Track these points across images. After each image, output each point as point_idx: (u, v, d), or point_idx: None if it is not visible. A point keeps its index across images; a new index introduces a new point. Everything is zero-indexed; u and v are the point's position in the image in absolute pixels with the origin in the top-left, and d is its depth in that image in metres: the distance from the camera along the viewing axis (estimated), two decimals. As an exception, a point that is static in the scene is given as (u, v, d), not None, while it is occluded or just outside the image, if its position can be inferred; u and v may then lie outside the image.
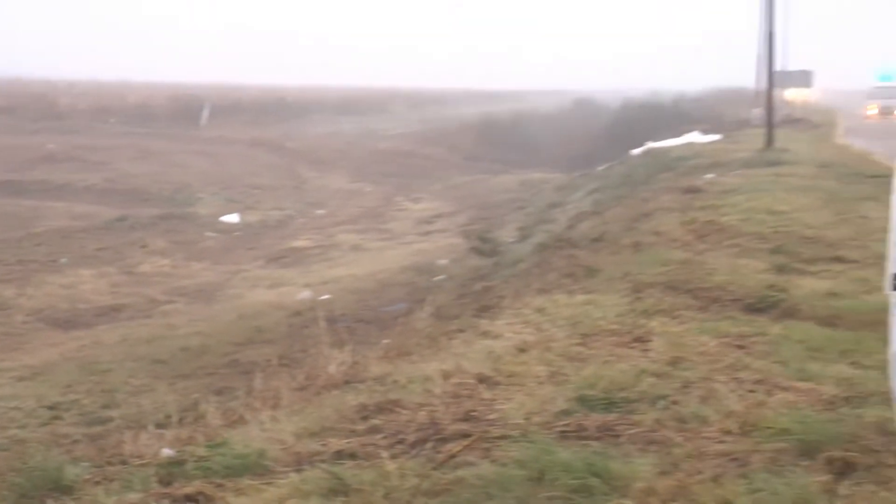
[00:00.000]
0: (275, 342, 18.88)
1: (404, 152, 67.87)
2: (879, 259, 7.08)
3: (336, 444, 7.19)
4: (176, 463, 7.19)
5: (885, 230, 6.74)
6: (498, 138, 77.40)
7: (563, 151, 68.14)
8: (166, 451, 7.62)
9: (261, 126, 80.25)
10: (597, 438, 6.96)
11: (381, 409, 7.80)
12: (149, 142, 62.03)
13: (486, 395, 7.91)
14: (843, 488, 6.04)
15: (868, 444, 6.58)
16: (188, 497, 6.52)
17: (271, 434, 7.56)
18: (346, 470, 6.59)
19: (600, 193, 32.20)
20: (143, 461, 7.40)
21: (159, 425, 9.78)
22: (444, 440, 7.10)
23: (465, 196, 45.91)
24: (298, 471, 6.74)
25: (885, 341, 6.87)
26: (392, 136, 76.93)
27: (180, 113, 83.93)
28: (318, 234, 38.39)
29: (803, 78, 65.34)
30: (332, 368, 9.32)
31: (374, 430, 7.44)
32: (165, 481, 6.86)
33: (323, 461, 6.84)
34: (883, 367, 7.04)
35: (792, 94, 68.48)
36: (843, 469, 6.29)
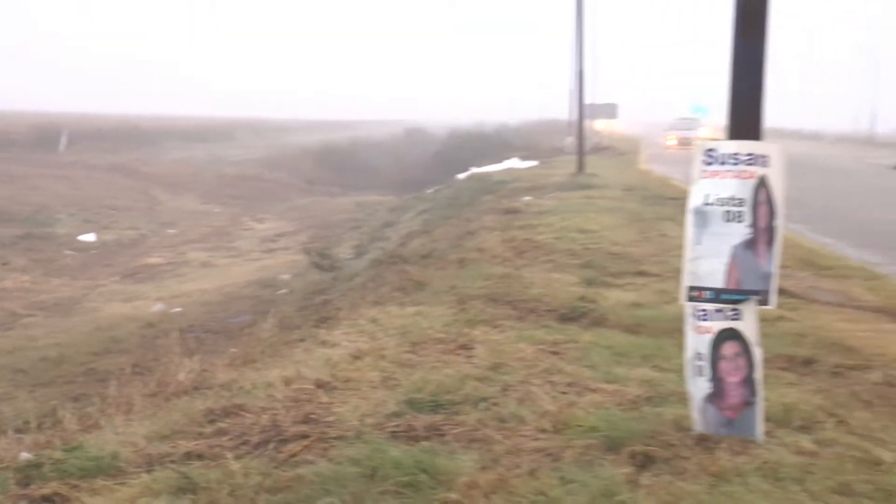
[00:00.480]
0: (129, 352, 18.89)
1: (250, 176, 67.94)
2: (677, 273, 7.34)
3: (185, 445, 7.16)
4: (34, 466, 7.08)
5: (681, 247, 6.99)
6: (336, 164, 78.24)
7: (395, 176, 68.92)
8: (24, 455, 7.52)
9: (118, 152, 79.77)
10: (425, 438, 7.06)
11: (227, 412, 7.80)
12: (9, 166, 60.97)
13: (324, 399, 7.98)
14: (645, 479, 6.24)
15: (666, 440, 6.81)
16: (45, 498, 6.44)
17: (124, 437, 7.52)
18: (193, 469, 6.58)
19: (429, 214, 32.40)
20: (2, 465, 7.33)
21: (18, 430, 9.70)
22: (285, 441, 7.13)
23: (306, 216, 45.99)
24: (149, 471, 6.70)
25: (681, 347, 7.13)
26: (239, 162, 76.87)
27: (40, 140, 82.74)
28: (170, 251, 38.45)
29: (610, 110, 67.84)
30: (181, 376, 9.31)
31: (220, 432, 7.44)
32: (23, 483, 6.77)
33: (172, 462, 6.81)
34: (680, 370, 7.30)
35: (600, 125, 70.13)
36: (645, 462, 6.50)
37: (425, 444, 6.95)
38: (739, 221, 6.73)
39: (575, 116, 42.31)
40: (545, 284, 13.07)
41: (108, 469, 6.86)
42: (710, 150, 6.83)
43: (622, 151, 61.95)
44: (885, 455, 6.74)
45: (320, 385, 8.28)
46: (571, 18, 40.27)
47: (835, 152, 79.16)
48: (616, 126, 78.88)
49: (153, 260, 35.97)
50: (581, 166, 38.96)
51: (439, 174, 56.12)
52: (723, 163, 6.79)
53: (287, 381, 8.37)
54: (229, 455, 6.86)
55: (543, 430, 7.18)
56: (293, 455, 6.91)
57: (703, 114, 79.99)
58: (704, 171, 6.83)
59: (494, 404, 7.74)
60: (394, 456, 6.61)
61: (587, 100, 47.17)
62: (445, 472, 6.41)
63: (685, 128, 71.72)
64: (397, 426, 7.32)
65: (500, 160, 53.62)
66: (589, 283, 13.37)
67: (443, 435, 7.15)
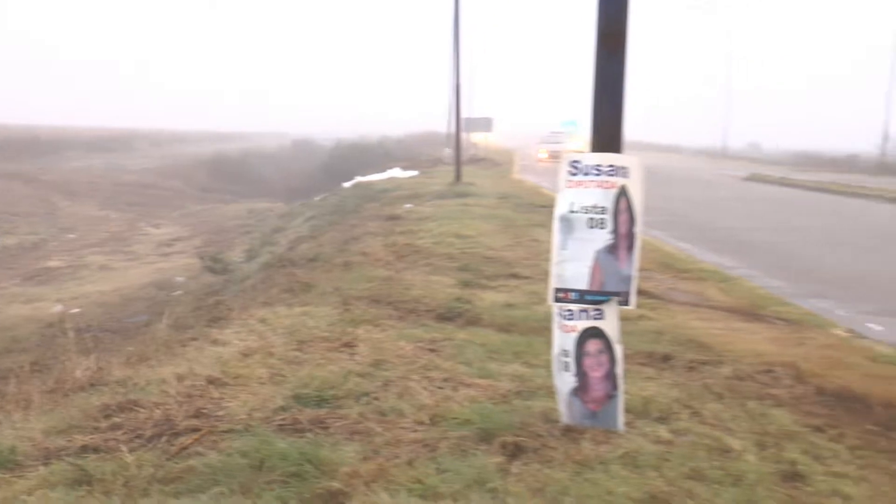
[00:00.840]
0: (29, 351, 18.64)
1: (147, 184, 67.20)
2: (546, 276, 7.42)
3: (81, 439, 7.06)
4: (-68, 460, 7.04)
5: (550, 252, 7.12)
6: (229, 172, 77.93)
7: (285, 184, 68.71)
8: (-76, 450, 7.48)
9: (18, 161, 78.36)
10: (310, 430, 7.07)
11: (122, 408, 7.70)
12: None
13: (215, 394, 7.94)
14: (515, 467, 6.32)
15: (535, 431, 6.89)
16: (-57, 492, 6.38)
17: (22, 432, 7.41)
18: (89, 462, 6.51)
19: (316, 220, 32.31)
20: None
21: (-82, 428, 9.56)
22: (178, 434, 7.08)
23: (200, 222, 45.58)
24: (46, 464, 6.62)
25: (549, 344, 7.23)
26: (136, 171, 76.05)
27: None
28: (69, 255, 37.99)
29: (485, 124, 68.23)
30: (79, 373, 9.16)
31: (115, 426, 7.35)
32: (-77, 477, 6.71)
33: (69, 455, 6.73)
34: (548, 366, 7.40)
35: (477, 138, 70.41)
36: (515, 451, 6.57)
37: (310, 436, 6.96)
38: (602, 228, 6.83)
39: (453, 129, 42.31)
40: (424, 286, 13.13)
41: (6, 463, 6.75)
42: (575, 161, 6.94)
43: (497, 162, 62.26)
44: (734, 443, 6.92)
45: (211, 381, 8.24)
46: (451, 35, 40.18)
47: (693, 165, 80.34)
48: (492, 139, 79.23)
49: (53, 263, 35.50)
50: (458, 176, 39.06)
51: (326, 183, 56.12)
52: (586, 173, 6.89)
53: (180, 378, 8.32)
54: (124, 448, 6.80)
55: (421, 423, 7.22)
56: (185, 448, 6.87)
57: (575, 127, 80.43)
58: (569, 181, 6.92)
59: (375, 398, 7.77)
60: (280, 448, 6.61)
61: (465, 114, 47.50)
62: (329, 463, 6.43)
63: (556, 141, 71.99)
64: (284, 420, 7.31)
65: (383, 170, 53.72)
66: (465, 285, 13.44)
67: (327, 428, 7.16)
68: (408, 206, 28.46)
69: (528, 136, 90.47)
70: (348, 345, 9.49)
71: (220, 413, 7.55)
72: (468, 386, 8.12)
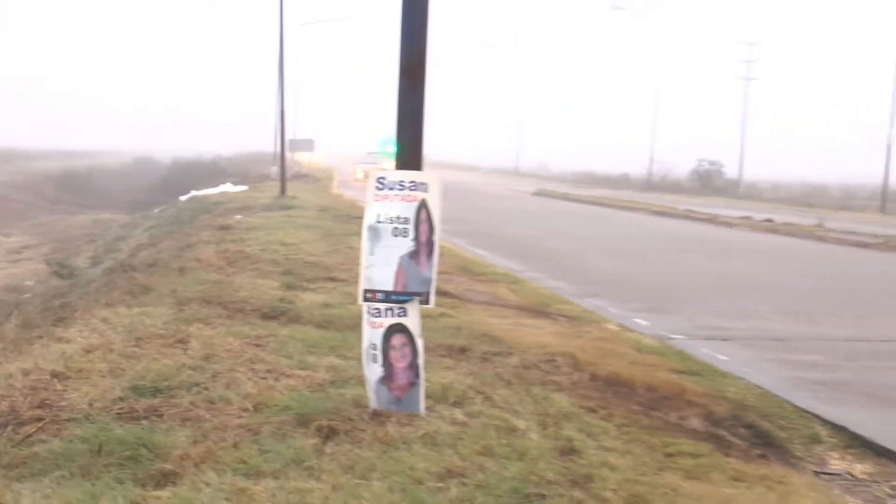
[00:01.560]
0: None
1: None
2: (358, 279, 7.45)
3: None
4: None
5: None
6: (76, 187, 76.00)
7: (127, 197, 67.32)
8: None
9: None
10: (145, 418, 6.92)
11: None
12: None
13: (59, 387, 7.71)
14: (329, 448, 6.28)
15: (347, 415, 6.86)
16: None
17: None
18: None
19: (155, 230, 31.84)
20: None
21: None
22: (22, 423, 6.85)
23: (49, 232, 44.25)
24: None
25: (360, 339, 7.26)
26: None
27: None
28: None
29: (308, 145, 68.81)
30: (-71, 369, 8.92)
31: None
32: None
33: None
34: (359, 358, 7.37)
35: (301, 157, 70.48)
36: (329, 434, 6.53)
37: (146, 423, 6.81)
38: (405, 236, 6.87)
39: (279, 149, 42.50)
40: (251, 288, 13.00)
41: None
42: (381, 178, 6.98)
43: (319, 179, 62.39)
44: (520, 423, 6.99)
45: (55, 375, 8.00)
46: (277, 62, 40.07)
47: (489, 182, 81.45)
48: (315, 158, 79.29)
49: None
50: (283, 191, 39.09)
51: (165, 196, 55.49)
52: (391, 188, 6.93)
53: (25, 372, 8.06)
54: None
55: (246, 410, 7.13)
56: (28, 436, 6.65)
57: (394, 147, 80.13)
58: (376, 195, 6.96)
59: (205, 388, 7.64)
60: (118, 434, 6.44)
61: (290, 135, 48.04)
62: (162, 447, 6.30)
63: (372, 162, 72.34)
64: (122, 409, 7.14)
65: (216, 185, 53.56)
66: (288, 287, 13.34)
67: (161, 415, 7.02)
68: (238, 217, 28.22)
69: (348, 156, 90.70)
70: (182, 341, 9.33)
71: (63, 404, 7.33)
72: (289, 376, 8.05)
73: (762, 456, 7.45)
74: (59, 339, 9.71)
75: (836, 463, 7.87)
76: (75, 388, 7.72)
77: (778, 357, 11.88)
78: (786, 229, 35.70)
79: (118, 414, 7.05)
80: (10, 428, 6.84)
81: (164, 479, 5.83)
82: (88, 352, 8.91)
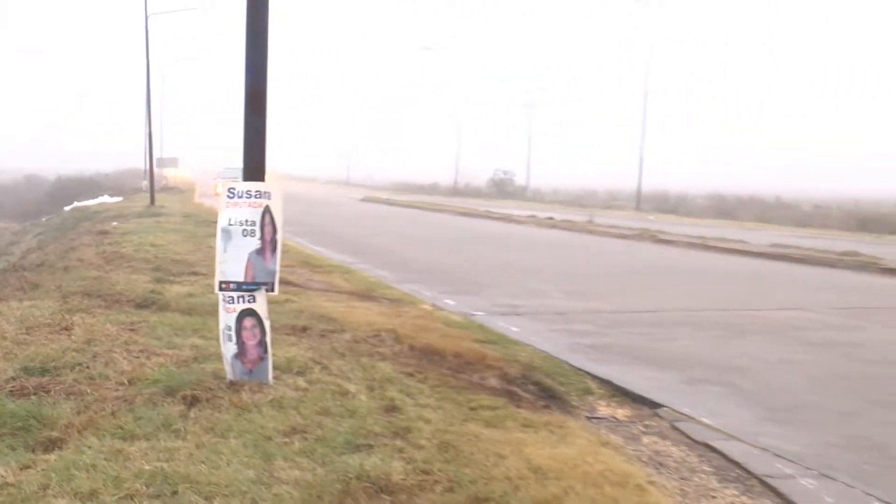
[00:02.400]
0: None
1: None
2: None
3: None
4: None
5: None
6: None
7: (18, 209, 64.58)
8: None
9: None
10: (35, 394, 6.68)
11: None
12: None
13: None
14: (192, 413, 6.17)
15: (208, 386, 6.74)
16: None
17: None
18: None
19: (43, 236, 30.92)
20: None
21: None
22: None
23: (-55, 238, 41.94)
24: None
25: (218, 322, 7.16)
26: None
27: None
28: None
29: (173, 162, 67.96)
30: None
31: None
32: None
33: None
34: (217, 338, 7.27)
35: (169, 172, 69.30)
36: (193, 401, 6.41)
37: (34, 398, 6.56)
38: (253, 236, 6.82)
39: (149, 166, 41.87)
40: (126, 283, 12.64)
41: None
42: (232, 188, 6.94)
43: (183, 191, 61.00)
44: (351, 388, 6.98)
45: (-47, 360, 7.67)
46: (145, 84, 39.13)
47: (325, 191, 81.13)
48: (181, 173, 77.59)
49: None
50: (153, 201, 38.27)
51: (52, 207, 53.82)
52: (240, 196, 6.89)
53: (-71, 360, 7.70)
54: None
55: (122, 384, 6.94)
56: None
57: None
58: (228, 202, 6.91)
59: (87, 367, 7.40)
60: (10, 408, 6.20)
61: (157, 154, 47.44)
62: (49, 418, 6.08)
63: (231, 176, 71.11)
64: (14, 387, 6.85)
65: (95, 197, 52.48)
66: (157, 280, 13.02)
67: (48, 391, 6.77)
68: (114, 223, 27.43)
69: (209, 171, 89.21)
70: (66, 328, 9.01)
71: (-40, 385, 7.03)
72: (158, 355, 7.86)
73: (546, 406, 7.62)
74: (-43, 329, 9.28)
75: (603, 409, 8.11)
76: (-29, 372, 7.41)
77: (559, 327, 12.16)
78: (564, 225, 36.54)
79: (10, 391, 6.77)
80: None
81: (52, 445, 5.65)
82: (-16, 340, 8.56)
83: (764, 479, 6.36)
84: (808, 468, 6.58)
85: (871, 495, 6.09)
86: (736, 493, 6.13)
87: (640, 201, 57.51)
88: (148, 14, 37.60)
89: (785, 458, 6.79)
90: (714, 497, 6.03)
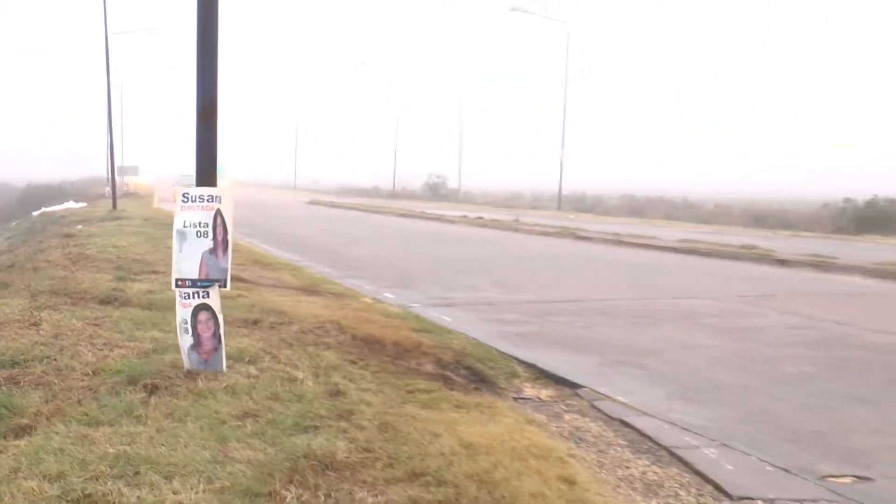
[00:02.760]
0: None
1: None
2: (172, 271, 7.32)
3: None
4: None
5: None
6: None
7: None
8: None
9: None
10: (5, 385, 6.56)
11: None
12: None
13: None
14: (153, 400, 6.11)
15: (167, 375, 6.68)
16: None
17: None
18: None
19: (13, 239, 30.33)
20: None
21: None
22: None
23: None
24: None
25: (175, 316, 7.11)
26: None
27: None
28: None
29: (133, 170, 67.47)
30: None
31: None
32: None
33: None
34: (175, 331, 7.21)
35: (129, 179, 68.52)
36: (153, 389, 6.35)
37: (4, 389, 6.46)
38: (206, 237, 6.78)
39: (111, 174, 41.27)
40: (91, 281, 12.44)
41: None
42: (186, 193, 6.91)
43: (143, 196, 60.16)
44: (299, 374, 6.97)
45: (-71, 355, 7.52)
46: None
47: (274, 195, 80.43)
48: (142, 180, 76.40)
49: None
50: (115, 206, 37.84)
51: (20, 213, 52.73)
52: (194, 201, 6.84)
53: None
54: None
55: (87, 374, 6.86)
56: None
57: (222, 170, 77.73)
58: (183, 206, 6.87)
59: (54, 360, 7.29)
60: (-20, 400, 6.16)
61: (119, 162, 47.00)
62: (20, 407, 6.01)
63: (187, 183, 70.17)
64: (-15, 380, 6.80)
65: (62, 202, 51.75)
66: (120, 279, 12.83)
67: (18, 382, 6.67)
68: (79, 227, 26.94)
69: (168, 178, 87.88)
70: (35, 324, 8.86)
71: (-62, 378, 6.90)
72: (121, 347, 7.78)
73: (476, 389, 7.68)
74: (-69, 327, 9.08)
75: (529, 390, 8.19)
76: (-55, 364, 7.27)
77: (488, 317, 12.24)
78: (493, 224, 36.68)
79: (-19, 384, 6.70)
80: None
81: (22, 431, 5.59)
82: (-43, 336, 8.40)
83: (672, 450, 6.51)
84: (711, 439, 6.74)
85: (765, 461, 6.28)
86: (647, 463, 6.27)
87: (561, 202, 57.93)
88: (108, 34, 36.88)
89: (691, 431, 6.95)
90: (628, 467, 6.16)
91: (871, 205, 39.82)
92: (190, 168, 7.34)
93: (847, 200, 41.73)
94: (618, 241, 27.24)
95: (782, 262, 21.05)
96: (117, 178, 43.41)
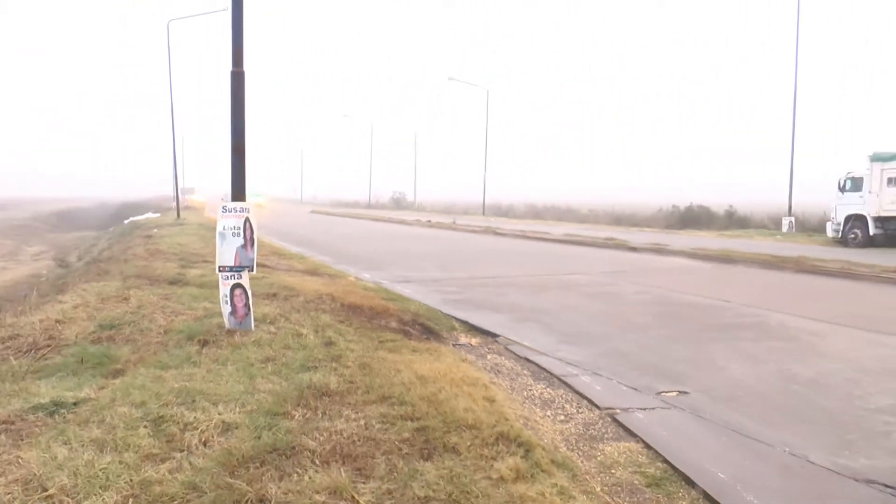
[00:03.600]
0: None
1: (23, 226, 56.01)
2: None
3: None
4: None
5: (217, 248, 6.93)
6: (67, 218, 68.42)
7: (97, 223, 60.63)
8: None
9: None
10: (107, 341, 6.50)
11: (10, 338, 6.68)
12: None
13: (59, 327, 7.06)
14: (204, 351, 6.08)
15: (213, 333, 6.61)
16: None
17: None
18: None
19: (111, 240, 29.37)
20: None
21: None
22: (40, 349, 6.34)
23: (54, 245, 38.93)
24: None
25: (219, 292, 7.06)
26: (15, 220, 63.49)
27: None
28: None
29: (190, 190, 66.11)
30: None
31: (6, 348, 6.46)
32: None
33: None
34: (219, 303, 7.15)
35: (189, 197, 67.32)
36: (204, 343, 6.31)
37: (107, 344, 6.43)
38: (239, 236, 6.72)
39: (175, 193, 40.43)
40: (163, 268, 12.17)
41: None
42: (224, 206, 6.85)
43: (199, 209, 59.00)
44: (304, 331, 6.91)
45: (59, 321, 7.29)
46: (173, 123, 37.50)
47: (287, 207, 79.30)
48: (196, 197, 74.67)
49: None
50: (178, 215, 37.00)
51: (117, 222, 51.46)
52: (230, 211, 6.78)
53: (41, 321, 7.31)
54: (12, 358, 6.10)
55: (160, 333, 6.80)
56: (43, 356, 6.15)
57: (257, 195, 74.56)
58: (223, 214, 6.80)
59: (138, 324, 7.19)
60: (91, 351, 6.09)
61: (182, 184, 46.53)
62: (115, 356, 5.98)
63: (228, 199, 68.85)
64: (94, 338, 6.66)
65: (143, 214, 51.03)
66: (182, 266, 12.57)
67: (114, 339, 6.61)
68: (155, 230, 26.31)
69: (218, 195, 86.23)
70: (125, 299, 8.69)
71: (62, 336, 6.75)
72: (183, 314, 7.69)
73: (427, 338, 7.74)
74: (59, 301, 8.84)
75: (464, 339, 8.27)
76: (69, 327, 7.13)
77: (435, 289, 12.29)
78: (437, 225, 36.68)
79: (92, 340, 6.59)
80: (32, 351, 6.32)
81: (117, 374, 5.55)
82: (76, 307, 8.19)
83: (560, 377, 6.64)
84: (585, 370, 6.89)
85: (622, 384, 6.44)
86: (543, 386, 6.39)
87: (485, 209, 57.99)
88: (173, 90, 35.64)
89: (572, 365, 7.10)
90: (530, 389, 6.28)
91: (689, 209, 40.66)
92: (228, 188, 7.26)
93: (674, 207, 42.38)
94: (524, 236, 27.44)
95: (633, 249, 21.40)
96: (180, 195, 42.60)
